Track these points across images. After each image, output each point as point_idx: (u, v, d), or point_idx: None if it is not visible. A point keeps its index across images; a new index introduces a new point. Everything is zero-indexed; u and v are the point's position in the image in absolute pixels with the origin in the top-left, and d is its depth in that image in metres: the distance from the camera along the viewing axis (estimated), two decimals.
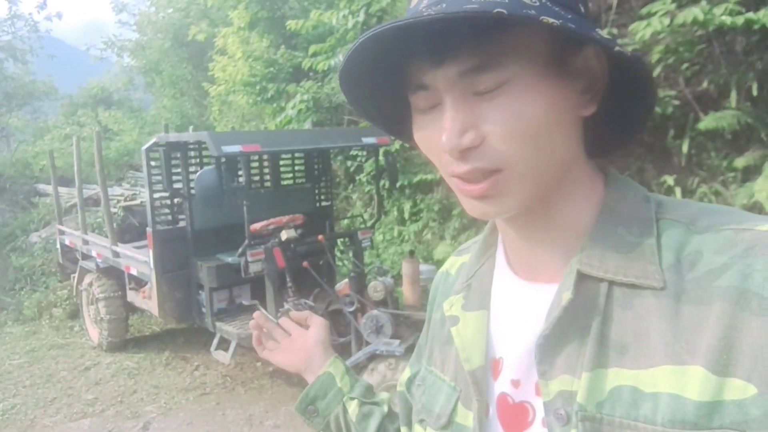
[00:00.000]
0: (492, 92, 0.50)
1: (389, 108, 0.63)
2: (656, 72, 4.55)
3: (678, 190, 4.78)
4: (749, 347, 0.45)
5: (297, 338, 0.99)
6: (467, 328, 0.64)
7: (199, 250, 4.81)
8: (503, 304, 0.63)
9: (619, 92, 0.57)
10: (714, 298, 0.48)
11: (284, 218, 4.36)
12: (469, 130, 0.50)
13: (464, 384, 0.64)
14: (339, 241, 5.88)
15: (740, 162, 4.59)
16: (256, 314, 1.02)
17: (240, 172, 4.38)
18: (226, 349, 4.64)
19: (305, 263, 4.25)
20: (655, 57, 4.46)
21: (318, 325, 1.00)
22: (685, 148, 4.87)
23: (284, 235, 4.21)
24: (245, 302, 4.79)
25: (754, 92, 4.49)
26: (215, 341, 4.76)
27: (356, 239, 4.77)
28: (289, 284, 4.26)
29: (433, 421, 0.66)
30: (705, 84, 4.73)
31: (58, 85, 16.77)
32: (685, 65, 4.61)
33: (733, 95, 4.60)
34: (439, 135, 0.52)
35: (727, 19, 3.96)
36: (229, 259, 4.52)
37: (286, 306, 4.14)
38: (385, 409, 0.89)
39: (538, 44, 0.51)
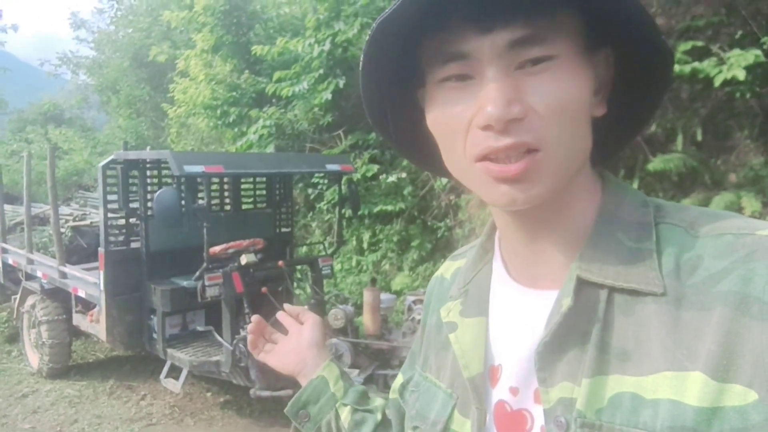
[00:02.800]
0: (536, 67, 0.50)
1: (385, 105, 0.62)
2: None
3: None
4: (750, 353, 0.45)
5: (291, 338, 0.95)
6: (466, 335, 0.63)
7: (153, 273, 4.66)
8: (501, 311, 0.63)
9: (620, 100, 0.59)
10: (714, 303, 0.47)
11: (244, 242, 4.31)
12: (515, 101, 0.49)
13: (462, 391, 0.63)
14: (298, 268, 5.83)
15: (686, 203, 4.84)
16: (254, 318, 0.97)
17: (201, 194, 4.31)
18: (176, 378, 4.47)
19: (264, 289, 4.18)
20: None
21: (312, 324, 0.96)
22: (634, 187, 5.10)
23: (244, 259, 4.15)
24: (199, 328, 4.66)
25: (699, 137, 4.77)
26: (165, 369, 4.58)
27: (316, 266, 4.74)
28: (247, 310, 4.17)
29: (428, 428, 0.65)
30: (654, 127, 4.99)
31: (8, 100, 16.22)
32: None
33: (680, 139, 4.87)
34: (468, 110, 0.51)
35: (675, 68, 4.22)
36: (185, 283, 4.40)
37: (243, 333, 4.05)
38: (379, 417, 0.86)
39: (577, 30, 0.52)
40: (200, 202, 4.12)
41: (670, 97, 4.98)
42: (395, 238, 6.95)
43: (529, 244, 0.59)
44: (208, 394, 5.11)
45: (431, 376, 0.69)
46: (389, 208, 6.72)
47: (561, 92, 0.50)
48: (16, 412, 4.85)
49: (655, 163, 4.82)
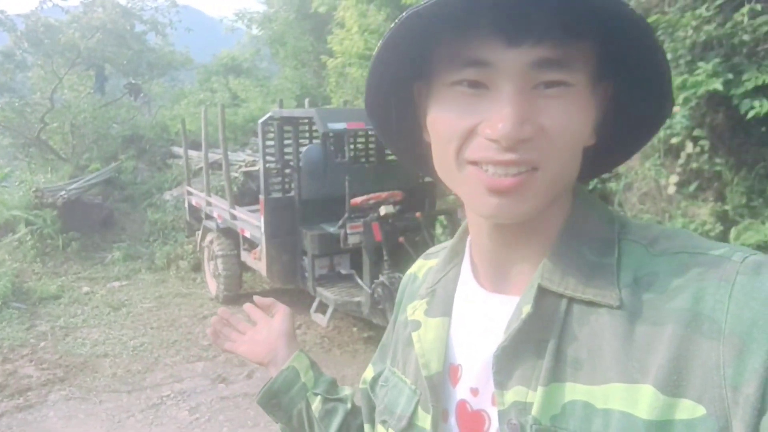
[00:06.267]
0: (552, 90, 0.50)
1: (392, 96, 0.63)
2: None
3: None
4: (700, 368, 0.46)
5: (261, 329, 0.96)
6: (428, 334, 0.65)
7: (305, 219, 5.09)
8: (465, 313, 0.64)
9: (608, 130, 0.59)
10: (667, 319, 0.49)
11: (384, 194, 4.50)
12: (528, 122, 0.49)
13: (423, 388, 0.65)
14: (440, 217, 5.95)
15: None
16: (220, 310, 1.00)
17: (345, 148, 4.56)
18: (324, 313, 4.92)
19: (401, 239, 4.38)
20: None
21: (282, 314, 0.97)
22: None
23: (383, 210, 4.36)
24: (343, 271, 5.04)
25: None
26: (315, 304, 5.06)
27: (455, 217, 4.81)
28: (386, 258, 4.42)
29: (395, 423, 0.67)
30: None
31: (194, 52, 18.11)
32: None
33: None
34: (475, 118, 0.51)
35: None
36: (331, 230, 4.75)
37: (381, 278, 4.31)
38: (349, 406, 0.88)
39: (590, 61, 0.52)
40: (344, 156, 4.37)
41: None
42: None
43: (499, 253, 0.61)
44: (354, 329, 5.55)
45: (398, 371, 0.71)
46: None
47: (571, 120, 0.51)
48: (198, 330, 5.74)
49: None
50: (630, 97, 0.57)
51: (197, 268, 7.49)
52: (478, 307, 0.63)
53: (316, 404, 0.88)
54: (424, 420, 0.64)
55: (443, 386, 0.63)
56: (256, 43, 19.23)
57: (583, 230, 0.57)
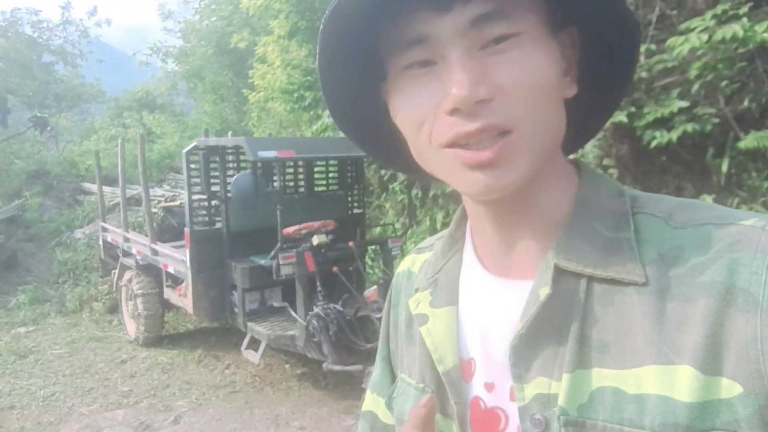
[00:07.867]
0: (501, 45, 0.47)
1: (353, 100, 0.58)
2: (694, 88, 4.52)
3: None
4: (735, 344, 0.44)
5: None
6: (437, 327, 0.60)
7: (233, 252, 4.94)
8: (473, 301, 0.60)
9: (588, 84, 0.57)
10: (698, 294, 0.46)
11: (316, 223, 4.47)
12: (482, 82, 0.46)
13: (435, 385, 0.60)
14: (370, 248, 5.97)
15: None
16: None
17: (275, 177, 4.50)
18: (256, 349, 4.75)
19: (335, 269, 4.34)
20: (693, 73, 4.43)
21: None
22: (724, 167, 4.80)
23: (315, 240, 4.31)
24: (276, 304, 4.90)
25: None
26: (246, 341, 4.87)
27: (386, 247, 4.85)
28: (319, 288, 4.35)
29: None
30: (746, 102, 4.66)
31: (105, 88, 17.43)
32: (725, 82, 4.56)
33: None
34: (434, 97, 0.49)
35: None
36: (262, 262, 4.63)
37: (316, 310, 4.23)
38: None
39: (540, 7, 0.49)
40: (274, 185, 4.31)
41: (766, 68, 4.63)
42: None
43: (502, 234, 0.57)
44: (287, 366, 5.39)
45: (404, 375, 0.66)
46: None
47: (529, 69, 0.47)
48: (116, 376, 5.34)
49: (748, 141, 4.51)
50: (599, 40, 0.54)
51: (114, 309, 7.05)
52: (486, 294, 0.59)
53: None
54: (443, 422, 0.59)
55: (460, 382, 0.58)
56: (171, 77, 18.79)
57: (594, 205, 0.54)
